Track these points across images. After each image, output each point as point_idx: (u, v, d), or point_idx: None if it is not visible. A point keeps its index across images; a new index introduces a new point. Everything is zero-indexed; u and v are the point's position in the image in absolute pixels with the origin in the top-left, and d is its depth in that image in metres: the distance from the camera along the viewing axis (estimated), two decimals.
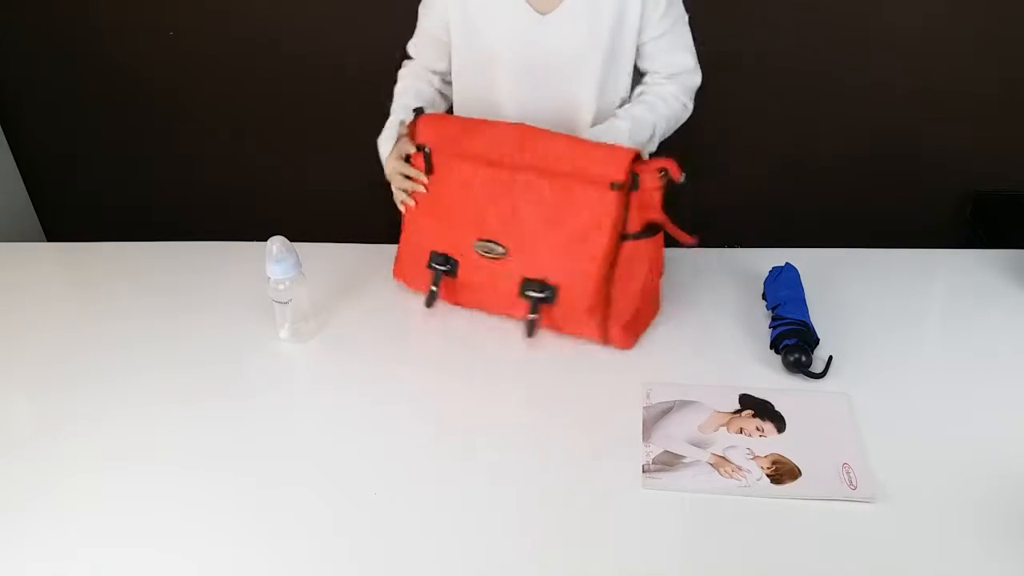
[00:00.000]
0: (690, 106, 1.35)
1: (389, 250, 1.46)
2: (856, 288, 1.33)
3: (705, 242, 1.35)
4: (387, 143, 1.30)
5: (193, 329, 1.32)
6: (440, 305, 1.33)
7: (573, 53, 1.27)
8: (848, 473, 0.99)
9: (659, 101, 1.32)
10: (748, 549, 0.92)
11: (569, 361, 1.21)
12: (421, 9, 1.35)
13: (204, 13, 2.10)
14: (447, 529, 0.97)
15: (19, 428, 1.16)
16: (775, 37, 1.97)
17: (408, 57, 1.42)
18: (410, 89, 1.37)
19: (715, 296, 1.32)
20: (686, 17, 1.32)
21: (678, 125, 1.35)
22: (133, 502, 1.02)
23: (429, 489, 1.02)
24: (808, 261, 1.39)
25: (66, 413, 1.17)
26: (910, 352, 1.20)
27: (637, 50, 1.31)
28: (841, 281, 1.35)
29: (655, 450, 1.04)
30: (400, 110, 1.33)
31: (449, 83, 1.40)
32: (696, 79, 1.36)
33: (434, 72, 1.40)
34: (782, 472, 1.01)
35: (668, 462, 1.03)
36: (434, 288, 1.26)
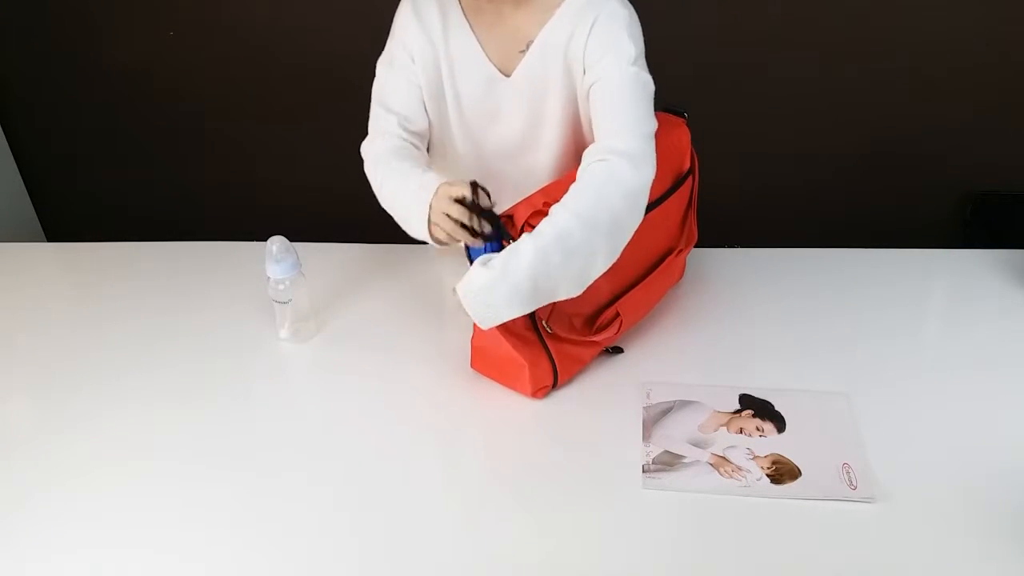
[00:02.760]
0: (622, 162, 1.07)
1: (389, 250, 1.47)
2: (856, 288, 1.33)
3: (705, 242, 1.35)
4: (421, 219, 1.10)
5: (193, 329, 1.32)
6: (438, 304, 1.33)
7: (534, 110, 1.23)
8: (848, 473, 0.99)
9: (576, 187, 1.08)
10: (748, 549, 0.92)
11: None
12: (381, 64, 1.27)
13: (204, 13, 2.10)
14: (447, 528, 0.97)
15: (19, 428, 1.16)
16: (775, 37, 1.97)
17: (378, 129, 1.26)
18: (409, 164, 1.18)
19: (715, 296, 1.32)
20: (642, 79, 1.14)
21: (622, 187, 1.07)
22: (133, 501, 1.02)
23: (429, 488, 1.02)
24: (808, 261, 1.39)
25: (66, 413, 1.17)
26: (910, 352, 1.20)
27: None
28: (841, 281, 1.35)
29: (655, 450, 1.04)
30: (410, 181, 1.14)
31: (418, 137, 1.27)
32: (630, 135, 1.10)
33: (405, 134, 1.23)
34: (782, 472, 1.01)
35: (668, 462, 1.03)
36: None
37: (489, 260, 1.04)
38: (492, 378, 1.17)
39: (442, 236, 1.09)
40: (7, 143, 2.36)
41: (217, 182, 2.37)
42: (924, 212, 2.15)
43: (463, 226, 1.06)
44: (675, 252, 1.27)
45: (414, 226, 1.13)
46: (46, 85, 2.28)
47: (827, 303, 1.30)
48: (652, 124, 1.13)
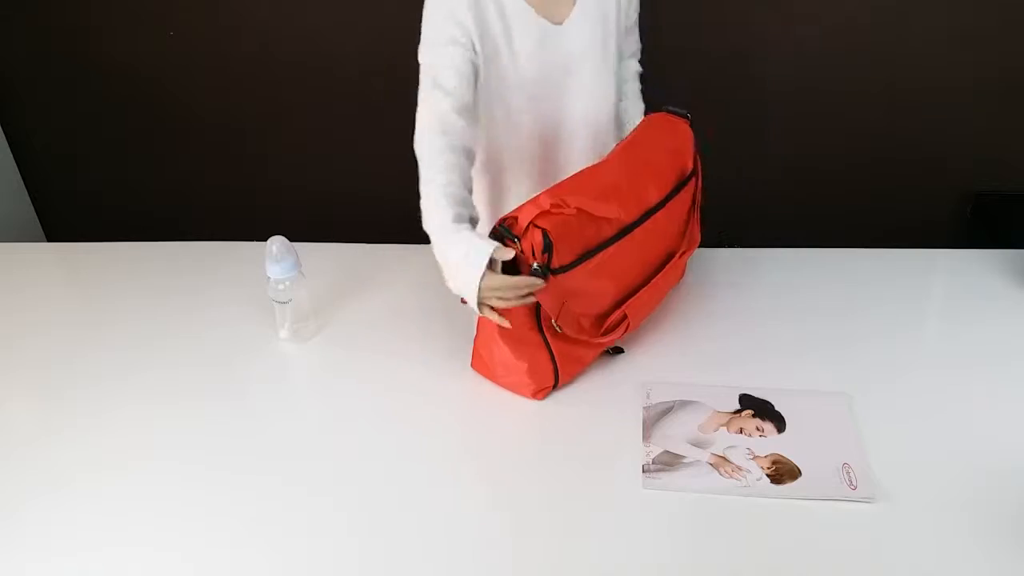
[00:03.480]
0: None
1: (389, 250, 1.47)
2: (856, 288, 1.33)
3: (705, 242, 1.35)
4: (469, 268, 1.07)
5: (193, 329, 1.32)
6: (438, 304, 1.33)
7: (586, 55, 1.29)
8: (848, 473, 0.99)
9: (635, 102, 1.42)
10: (748, 549, 0.92)
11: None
12: (432, 48, 1.23)
13: (204, 13, 2.10)
14: (446, 528, 0.97)
15: (19, 428, 1.16)
16: (776, 38, 1.97)
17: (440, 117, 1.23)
18: (452, 185, 1.16)
19: (715, 296, 1.32)
20: None
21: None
22: (133, 502, 1.02)
23: (429, 488, 1.02)
24: (808, 261, 1.39)
25: (66, 413, 1.17)
26: (910, 352, 1.20)
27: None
28: (841, 281, 1.35)
29: (655, 450, 1.04)
30: (458, 243, 1.11)
31: (470, 125, 1.25)
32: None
33: (461, 127, 1.21)
34: (782, 472, 1.01)
35: (668, 462, 1.03)
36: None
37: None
38: (493, 380, 1.17)
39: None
40: (7, 143, 2.36)
41: (217, 182, 2.37)
42: (924, 212, 2.15)
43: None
44: (679, 254, 1.27)
45: (457, 285, 1.12)
46: (46, 85, 2.28)
47: (827, 303, 1.30)
48: None
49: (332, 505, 1.00)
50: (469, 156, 1.21)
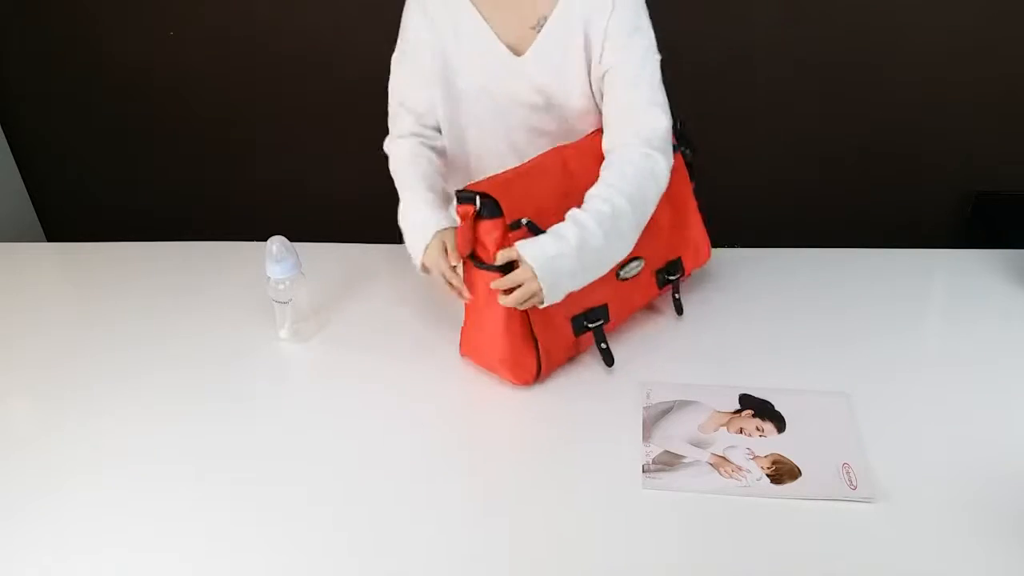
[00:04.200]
0: (661, 158, 1.16)
1: (389, 250, 1.47)
2: (856, 288, 1.33)
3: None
4: (419, 242, 1.20)
5: (193, 329, 1.32)
6: (439, 305, 1.33)
7: (548, 91, 1.22)
8: (848, 473, 0.99)
9: (622, 171, 1.15)
10: (748, 549, 0.92)
11: (569, 361, 1.21)
12: (399, 65, 1.29)
13: (204, 13, 2.10)
14: (446, 528, 0.97)
15: (19, 428, 1.16)
16: (775, 37, 1.97)
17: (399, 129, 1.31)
18: (417, 179, 1.26)
19: (715, 296, 1.32)
20: (658, 59, 1.19)
21: (658, 183, 1.16)
22: (133, 502, 1.02)
23: (428, 488, 1.02)
24: (808, 261, 1.39)
25: (66, 413, 1.17)
26: (910, 352, 1.20)
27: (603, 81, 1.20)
28: (841, 281, 1.35)
29: (655, 450, 1.04)
30: (413, 212, 1.23)
31: (435, 130, 1.31)
32: (661, 124, 1.17)
33: (421, 129, 1.29)
34: (782, 472, 1.01)
35: (668, 462, 1.03)
36: (604, 345, 1.19)
37: (557, 230, 1.08)
38: (480, 364, 1.19)
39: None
40: (7, 143, 2.36)
41: (217, 182, 2.38)
42: (924, 212, 2.15)
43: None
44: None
45: (411, 251, 1.23)
46: (46, 85, 2.28)
47: (827, 303, 1.30)
48: (670, 119, 1.20)
49: (332, 505, 1.00)
50: (424, 179, 1.27)
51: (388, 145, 1.33)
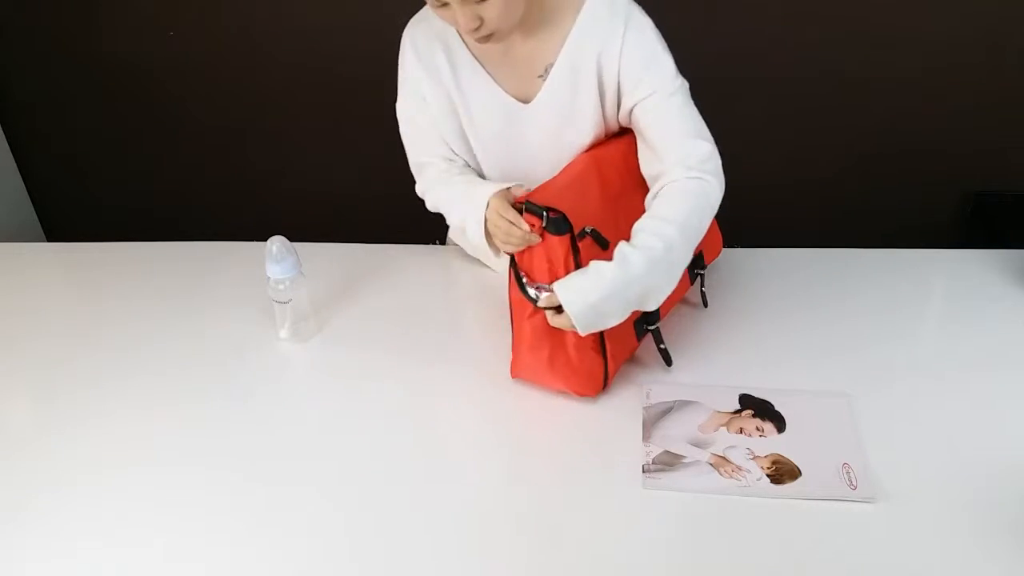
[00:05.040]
0: (713, 180, 1.13)
1: (389, 250, 1.47)
2: (856, 288, 1.33)
3: None
4: (476, 225, 1.16)
5: (193, 329, 1.32)
6: (439, 304, 1.33)
7: (559, 133, 1.21)
8: (848, 473, 0.99)
9: (670, 200, 1.11)
10: (748, 549, 0.92)
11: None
12: (404, 116, 1.27)
13: (204, 13, 2.10)
14: (446, 528, 0.97)
15: (19, 428, 1.16)
16: (775, 37, 1.97)
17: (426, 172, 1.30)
18: (454, 179, 1.25)
19: (715, 296, 1.32)
20: (686, 85, 1.16)
21: (712, 207, 1.14)
22: (133, 502, 1.02)
23: (428, 487, 1.02)
24: (808, 261, 1.39)
25: (66, 413, 1.17)
26: (910, 352, 1.20)
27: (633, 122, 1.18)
28: (841, 281, 1.35)
29: (655, 450, 1.04)
30: (469, 200, 1.18)
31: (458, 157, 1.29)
32: (703, 150, 1.13)
33: (448, 166, 1.28)
34: (782, 472, 1.01)
35: (668, 462, 1.03)
36: (663, 345, 1.18)
37: (600, 270, 1.04)
38: (539, 383, 1.16)
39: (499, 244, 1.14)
40: (7, 143, 2.36)
41: (217, 182, 2.38)
42: (924, 212, 2.15)
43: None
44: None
45: (471, 229, 1.18)
46: (46, 85, 2.28)
47: (827, 303, 1.30)
48: (711, 141, 1.16)
49: (332, 505, 1.00)
50: (465, 175, 1.25)
51: (420, 188, 1.30)
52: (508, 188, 1.14)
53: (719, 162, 1.15)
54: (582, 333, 1.06)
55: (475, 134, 1.24)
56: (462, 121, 1.23)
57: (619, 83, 1.15)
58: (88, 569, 0.94)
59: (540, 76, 1.18)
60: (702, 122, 1.17)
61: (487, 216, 1.14)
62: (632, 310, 1.08)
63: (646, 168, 1.18)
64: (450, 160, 1.27)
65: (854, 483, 0.98)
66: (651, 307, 1.10)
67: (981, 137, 2.03)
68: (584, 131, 1.20)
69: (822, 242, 1.42)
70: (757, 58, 1.99)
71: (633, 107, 1.15)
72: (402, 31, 1.23)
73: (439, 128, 1.24)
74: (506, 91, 1.20)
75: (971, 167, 2.08)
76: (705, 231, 1.14)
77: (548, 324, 1.08)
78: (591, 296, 1.03)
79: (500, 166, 1.27)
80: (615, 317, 1.06)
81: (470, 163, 1.29)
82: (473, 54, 1.19)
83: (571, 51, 1.15)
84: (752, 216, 2.05)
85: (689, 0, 1.90)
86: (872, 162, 2.10)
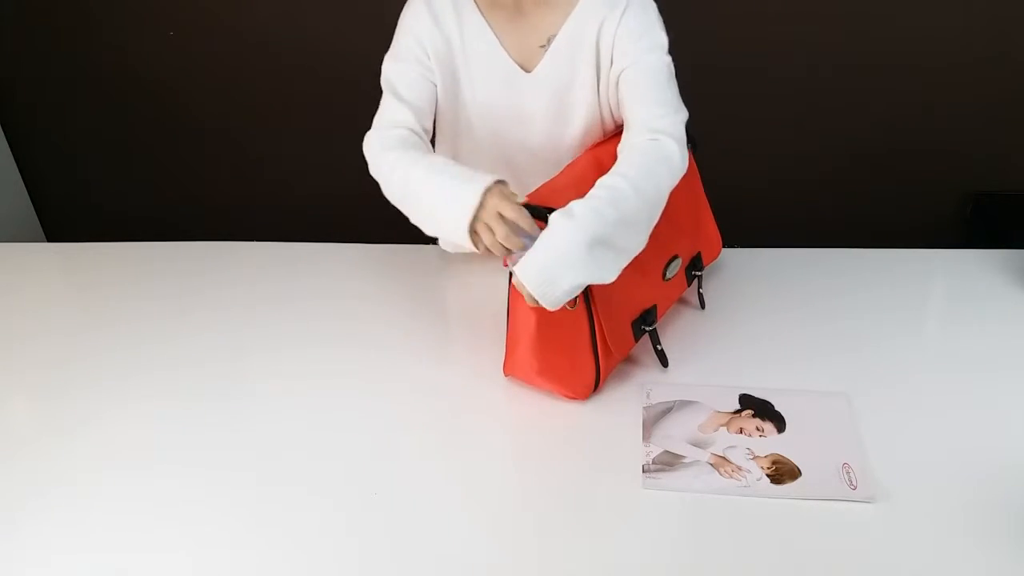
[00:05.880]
0: (671, 141, 1.10)
1: (389, 250, 1.47)
2: (856, 288, 1.33)
3: None
4: (463, 216, 1.05)
5: (193, 329, 1.32)
6: (439, 304, 1.33)
7: (552, 107, 1.22)
8: (848, 473, 0.99)
9: (628, 159, 1.10)
10: (748, 549, 0.92)
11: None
12: (395, 63, 1.23)
13: (204, 13, 2.10)
14: (447, 528, 0.97)
15: (19, 429, 1.16)
16: (775, 36, 1.97)
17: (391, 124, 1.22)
18: (420, 162, 1.14)
19: (715, 296, 1.32)
20: (668, 59, 1.17)
21: (671, 166, 1.10)
22: (133, 502, 1.02)
23: (429, 488, 1.02)
24: (808, 261, 1.39)
25: (66, 413, 1.17)
26: (910, 352, 1.20)
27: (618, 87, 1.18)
28: (841, 281, 1.35)
29: (655, 450, 1.04)
30: (448, 180, 1.09)
31: (426, 133, 1.24)
32: (671, 116, 1.13)
33: (416, 126, 1.21)
34: (782, 472, 1.01)
35: (668, 462, 1.03)
36: (660, 347, 1.17)
37: (548, 228, 1.00)
38: (530, 383, 1.15)
39: (484, 245, 1.05)
40: (7, 143, 2.36)
41: (217, 182, 2.38)
42: (924, 212, 2.15)
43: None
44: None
45: (446, 227, 1.09)
46: (47, 85, 2.28)
47: (827, 303, 1.30)
48: (686, 113, 1.16)
49: (332, 505, 1.00)
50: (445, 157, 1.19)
51: (372, 136, 1.21)
52: (499, 182, 1.06)
53: (683, 131, 1.13)
54: (546, 305, 0.99)
55: (472, 98, 1.24)
56: (460, 80, 1.23)
57: (612, 55, 1.17)
58: (89, 569, 0.94)
59: (542, 46, 1.19)
60: (679, 98, 1.16)
61: (480, 215, 1.04)
62: (589, 274, 1.00)
63: (622, 141, 1.15)
64: (419, 136, 1.20)
65: (854, 483, 0.98)
66: (609, 275, 1.02)
67: (981, 137, 2.03)
68: (581, 103, 1.21)
69: (822, 242, 1.42)
70: (756, 58, 1.99)
71: (619, 77, 1.17)
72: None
73: (428, 78, 1.21)
74: (510, 57, 1.21)
75: (971, 167, 2.08)
76: (666, 193, 1.08)
77: (542, 323, 1.08)
78: (539, 256, 0.99)
79: (494, 134, 1.26)
80: (568, 279, 0.98)
81: (439, 136, 1.27)
82: (482, 13, 1.20)
83: (574, 24, 1.17)
84: (751, 216, 2.05)
85: (688, 1, 1.91)
86: (872, 162, 2.10)
